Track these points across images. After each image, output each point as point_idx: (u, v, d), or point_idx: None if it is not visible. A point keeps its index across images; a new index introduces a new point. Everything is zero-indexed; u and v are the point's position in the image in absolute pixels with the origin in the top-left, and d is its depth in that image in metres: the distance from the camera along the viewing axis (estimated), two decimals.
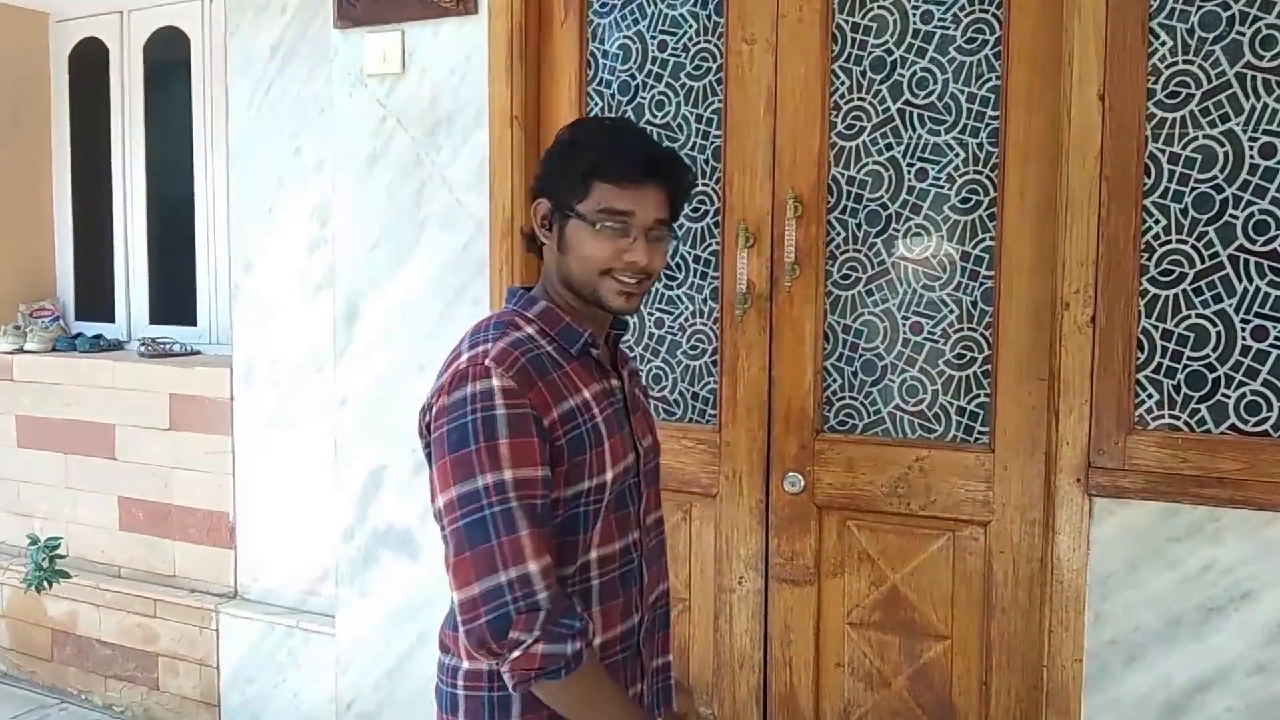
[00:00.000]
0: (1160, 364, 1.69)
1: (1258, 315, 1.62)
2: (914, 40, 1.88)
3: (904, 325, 1.93)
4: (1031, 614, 1.85)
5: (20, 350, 3.31)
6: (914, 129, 1.89)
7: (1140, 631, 1.71)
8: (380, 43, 2.30)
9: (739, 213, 2.03)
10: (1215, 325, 1.65)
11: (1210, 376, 1.66)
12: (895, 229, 1.92)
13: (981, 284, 1.86)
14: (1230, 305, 1.64)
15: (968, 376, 1.89)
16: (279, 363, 2.81)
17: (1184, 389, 1.68)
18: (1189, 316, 1.67)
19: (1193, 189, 1.65)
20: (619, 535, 1.25)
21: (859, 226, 1.95)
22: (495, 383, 1.12)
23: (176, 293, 3.38)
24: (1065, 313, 1.72)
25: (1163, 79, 1.65)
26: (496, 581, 1.08)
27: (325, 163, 2.59)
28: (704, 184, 2.08)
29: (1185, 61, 1.64)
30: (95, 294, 3.57)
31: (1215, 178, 1.63)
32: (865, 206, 1.94)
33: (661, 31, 2.11)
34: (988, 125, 1.83)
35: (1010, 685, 1.88)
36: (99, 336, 3.40)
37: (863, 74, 1.93)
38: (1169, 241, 1.67)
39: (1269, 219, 1.61)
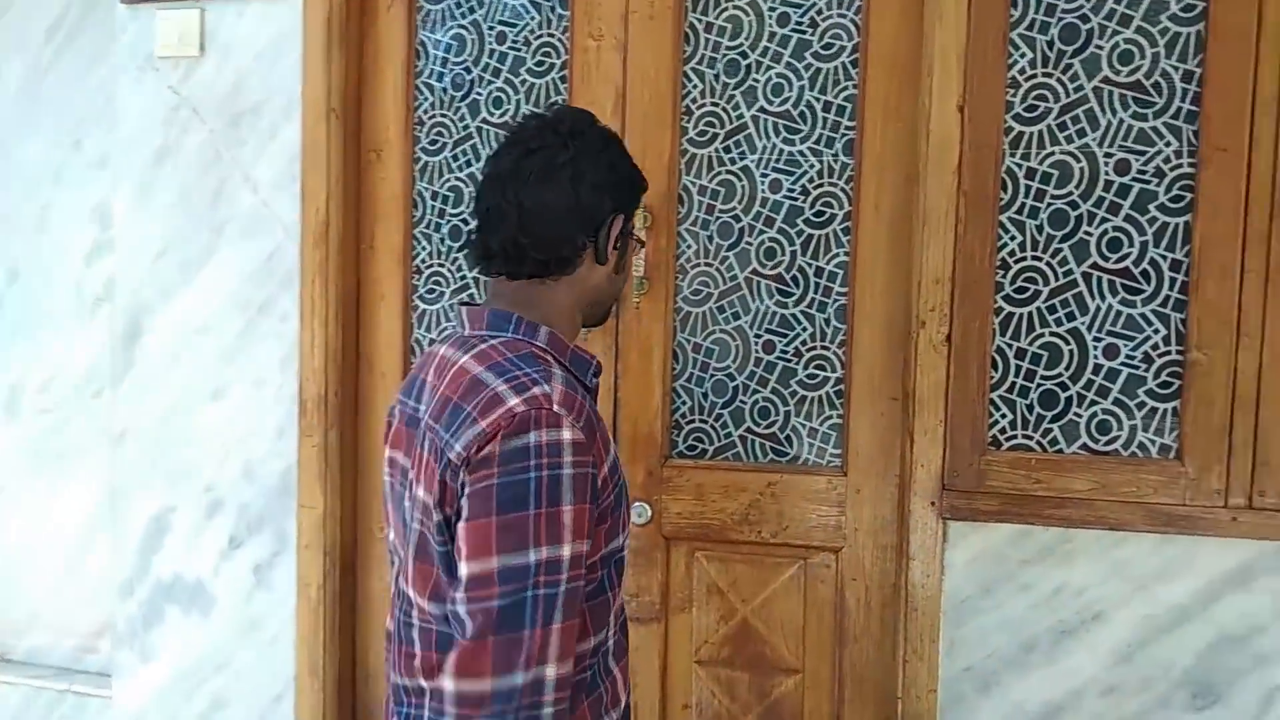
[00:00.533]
0: (1014, 383, 1.65)
1: (1109, 333, 1.61)
2: (769, 44, 1.79)
3: (756, 344, 1.83)
4: (885, 643, 1.77)
5: None
6: (768, 137, 1.80)
7: (995, 658, 1.66)
8: (175, 21, 2.00)
9: None
10: (1068, 344, 1.63)
11: (1063, 396, 1.64)
12: (748, 242, 1.82)
13: (835, 301, 1.78)
14: (1083, 323, 1.62)
15: (821, 397, 1.80)
16: (49, 387, 2.42)
17: (1037, 408, 1.65)
18: (1043, 335, 1.64)
19: (1049, 205, 1.63)
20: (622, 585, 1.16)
21: (710, 239, 1.84)
22: (566, 435, 0.98)
23: None
24: (921, 331, 1.66)
25: (1021, 91, 1.63)
26: (512, 683, 0.94)
27: (111, 158, 2.26)
28: None
29: (1044, 74, 1.62)
30: None
31: (1071, 194, 1.62)
32: (718, 218, 1.83)
33: (500, 22, 1.93)
34: (843, 136, 1.76)
35: (863, 719, 1.79)
36: None
37: (716, 77, 1.82)
38: (1024, 258, 1.64)
39: (1122, 236, 1.60)
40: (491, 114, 1.94)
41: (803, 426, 1.81)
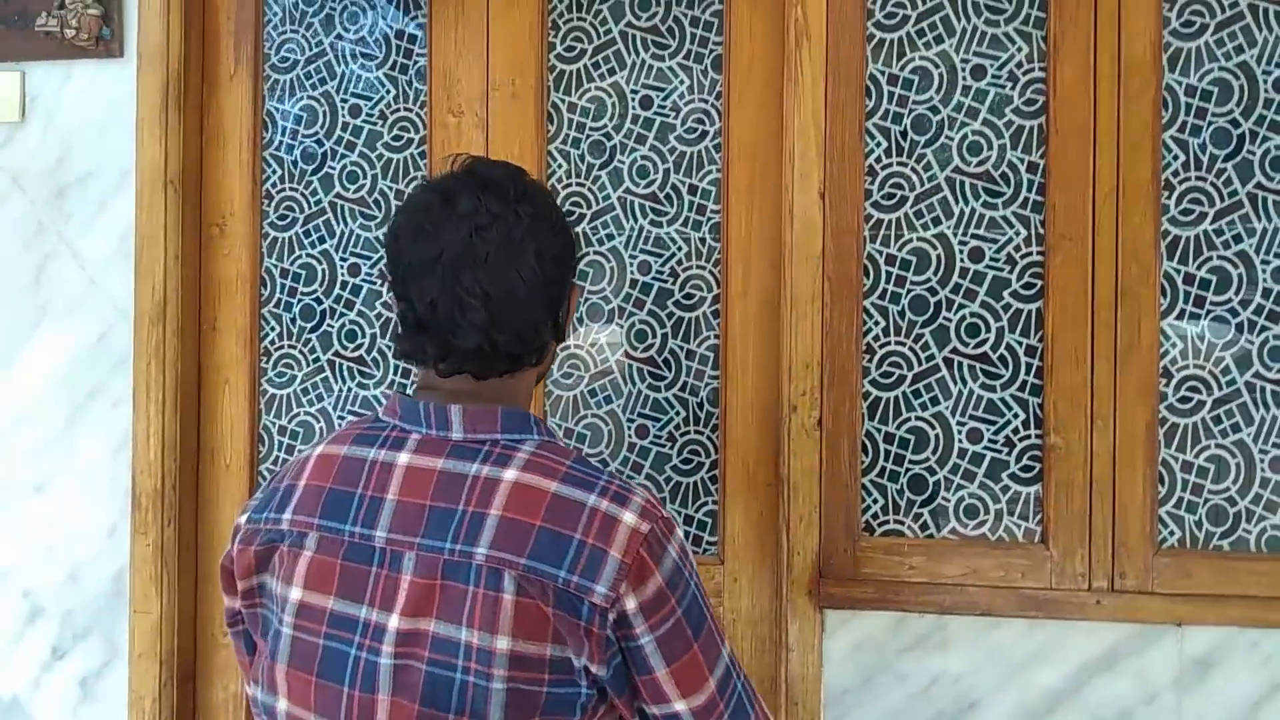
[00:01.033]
0: (884, 468, 1.65)
1: (972, 418, 1.63)
2: (634, 126, 1.76)
3: (629, 428, 1.77)
4: None
5: None
6: (635, 218, 1.77)
7: None
8: None
9: None
10: (934, 428, 1.64)
11: (931, 480, 1.64)
12: (618, 324, 1.77)
13: (707, 384, 1.75)
14: (946, 408, 1.63)
15: (695, 483, 1.75)
16: None
17: (907, 493, 1.64)
18: (909, 419, 1.64)
19: (909, 290, 1.64)
20: None
21: (580, 321, 1.78)
22: (679, 530, 0.94)
23: None
24: (793, 415, 1.64)
25: (879, 179, 1.64)
26: None
27: None
28: None
29: (899, 163, 1.64)
30: None
31: (930, 280, 1.64)
32: (586, 300, 1.78)
33: (354, 95, 1.85)
34: (710, 219, 1.74)
35: None
36: None
37: (581, 157, 1.78)
38: (888, 343, 1.64)
39: (979, 322, 1.63)
40: (346, 188, 1.85)
41: (678, 514, 1.76)
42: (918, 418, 1.64)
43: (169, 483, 1.80)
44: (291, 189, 1.86)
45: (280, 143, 1.86)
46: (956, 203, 1.63)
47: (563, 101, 1.78)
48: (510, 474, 0.91)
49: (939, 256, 1.63)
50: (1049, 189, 1.59)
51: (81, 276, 1.83)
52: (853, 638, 1.63)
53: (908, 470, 1.64)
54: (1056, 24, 1.59)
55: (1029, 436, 1.61)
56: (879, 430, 1.64)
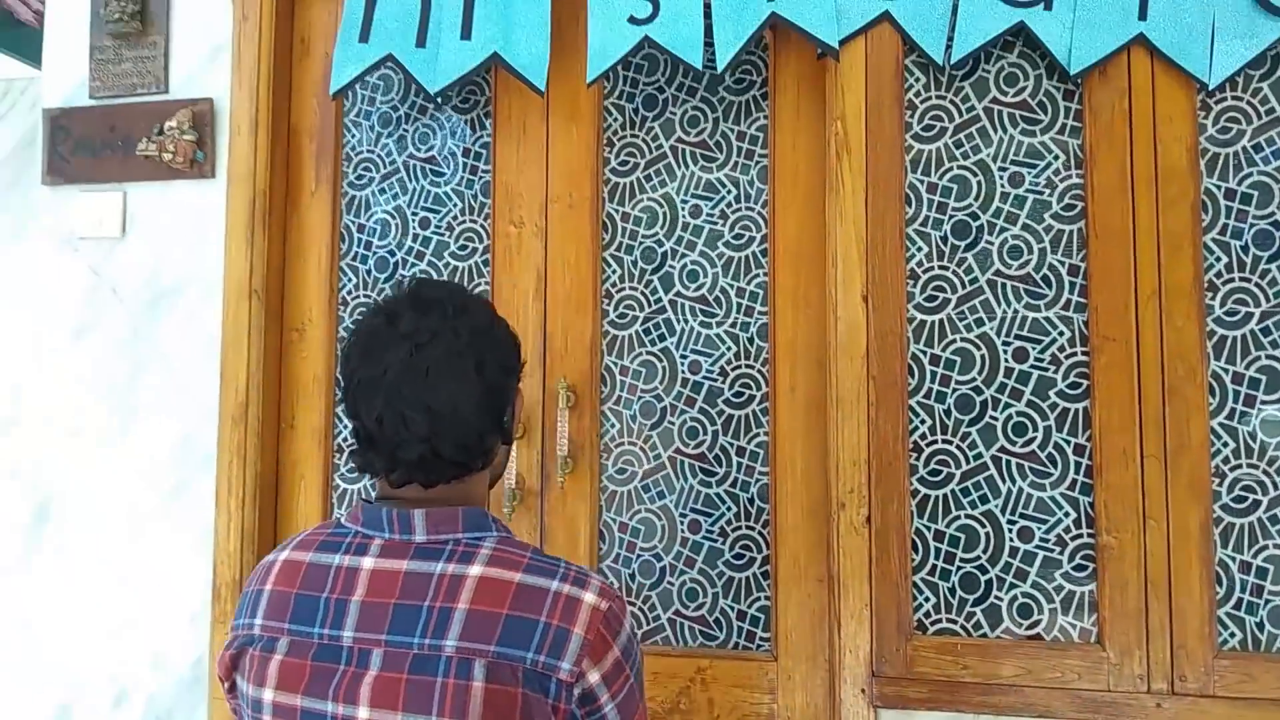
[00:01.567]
0: (935, 565, 1.66)
1: (1023, 516, 1.64)
2: (684, 233, 1.85)
3: (682, 523, 1.82)
4: None
5: None
6: (686, 320, 1.84)
7: None
8: (96, 203, 2.01)
9: None
10: (984, 526, 1.65)
11: (983, 578, 1.64)
12: (670, 421, 1.83)
13: (758, 480, 1.79)
14: (996, 506, 1.65)
15: (748, 578, 1.78)
16: None
17: (959, 591, 1.65)
18: (959, 517, 1.66)
19: (954, 390, 1.67)
20: None
21: (634, 418, 1.85)
22: (629, 609, 1.06)
23: None
24: (841, 512, 1.66)
25: (920, 283, 1.69)
26: None
27: (28, 335, 2.22)
28: None
29: (941, 267, 1.69)
30: None
31: (974, 379, 1.67)
32: (640, 398, 1.85)
33: (424, 208, 1.97)
34: (758, 320, 1.80)
35: None
36: None
37: (634, 263, 1.87)
38: (935, 441, 1.67)
39: (1026, 421, 1.65)
40: None
41: (731, 609, 1.79)
42: (968, 516, 1.65)
43: (246, 575, 1.89)
44: (365, 295, 1.98)
45: (356, 253, 2.00)
46: (999, 304, 1.67)
47: (617, 211, 1.88)
48: (475, 569, 0.98)
49: (983, 357, 1.67)
50: (1090, 291, 1.62)
51: (171, 379, 1.97)
52: None
53: (959, 569, 1.65)
54: (1091, 133, 1.64)
55: (1081, 535, 1.61)
56: (929, 528, 1.66)
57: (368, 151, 2.01)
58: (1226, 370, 1.58)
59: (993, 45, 1.68)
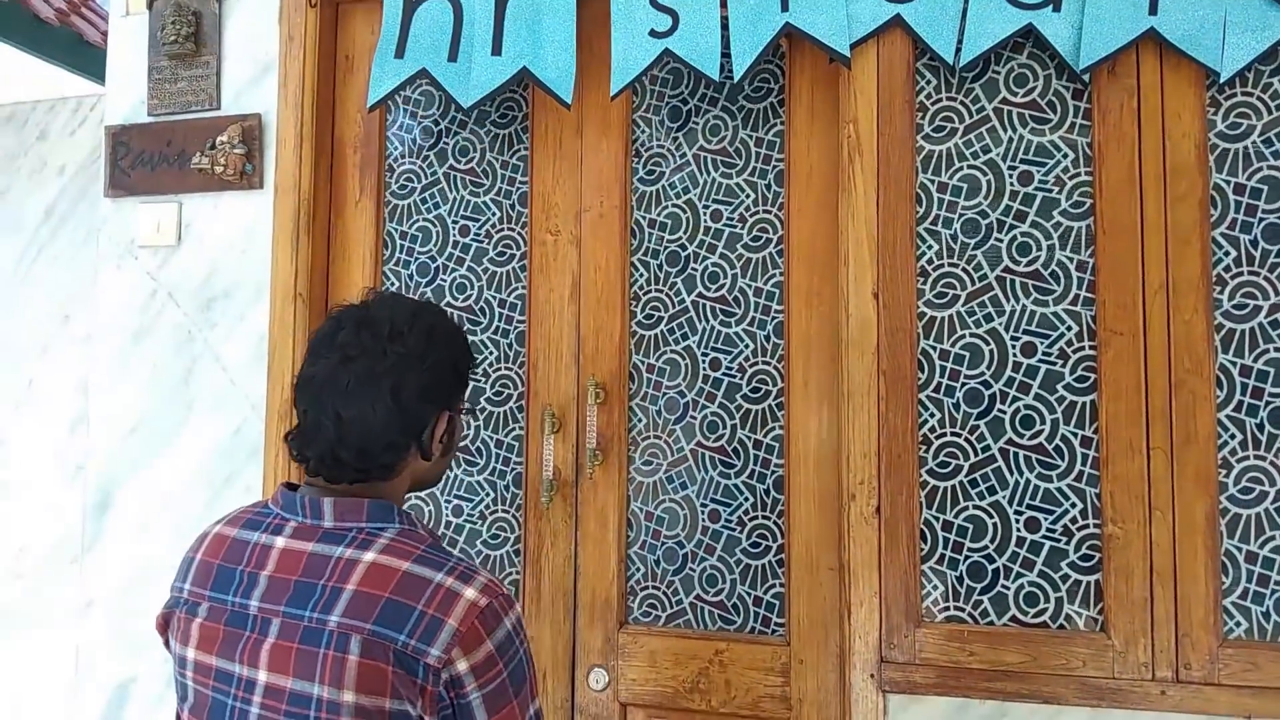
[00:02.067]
0: (943, 555, 1.70)
1: (1029, 507, 1.67)
2: (705, 237, 1.92)
3: (703, 513, 1.89)
4: None
5: None
6: (707, 319, 1.91)
7: None
8: (154, 213, 2.16)
9: (543, 398, 1.98)
10: (991, 516, 1.69)
11: (990, 568, 1.68)
12: (693, 416, 1.91)
13: (773, 472, 1.85)
14: (1004, 497, 1.69)
15: (764, 566, 1.85)
16: (24, 553, 2.48)
17: (966, 580, 1.69)
18: (967, 508, 1.70)
19: (963, 384, 1.72)
20: None
21: (659, 413, 1.93)
22: (518, 608, 1.11)
23: None
24: (851, 503, 1.72)
25: (930, 280, 1.74)
26: None
27: (93, 336, 2.38)
28: (507, 368, 2.02)
29: (950, 264, 1.74)
30: None
31: (983, 374, 1.71)
32: (664, 394, 1.92)
33: (463, 217, 2.08)
34: (774, 319, 1.87)
35: None
36: None
37: (659, 266, 1.95)
38: (944, 434, 1.72)
39: (1034, 414, 1.68)
40: (455, 298, 2.06)
41: (748, 595, 1.85)
42: (976, 506, 1.70)
43: None
44: None
45: (399, 259, 2.11)
46: (1007, 300, 1.71)
47: (644, 218, 1.96)
48: (369, 555, 1.08)
49: (992, 351, 1.71)
50: (1098, 286, 1.65)
51: (223, 377, 2.10)
52: None
53: (967, 558, 1.69)
54: (1100, 131, 1.67)
55: (1087, 525, 1.64)
56: (937, 519, 1.71)
57: (410, 163, 2.12)
58: (1234, 363, 1.60)
59: (1002, 47, 1.72)
